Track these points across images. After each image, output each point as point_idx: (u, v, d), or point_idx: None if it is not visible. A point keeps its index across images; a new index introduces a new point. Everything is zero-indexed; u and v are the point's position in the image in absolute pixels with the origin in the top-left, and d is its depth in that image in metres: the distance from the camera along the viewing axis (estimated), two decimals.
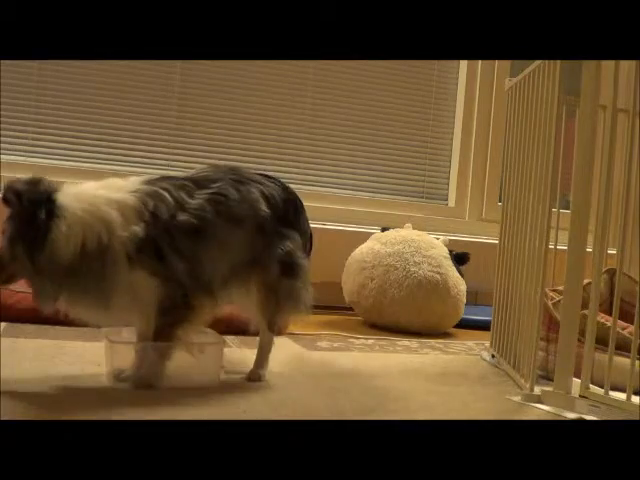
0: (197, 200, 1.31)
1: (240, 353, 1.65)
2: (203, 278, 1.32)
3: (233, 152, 2.81)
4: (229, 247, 1.36)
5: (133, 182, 1.32)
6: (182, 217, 1.29)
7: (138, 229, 1.25)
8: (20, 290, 1.82)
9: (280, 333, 1.50)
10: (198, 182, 1.35)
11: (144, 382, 1.29)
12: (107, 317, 1.31)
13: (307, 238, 1.51)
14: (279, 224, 1.42)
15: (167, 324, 1.30)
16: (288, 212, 1.45)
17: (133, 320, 1.35)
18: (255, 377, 1.44)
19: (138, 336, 1.35)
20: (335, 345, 1.92)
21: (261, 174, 1.46)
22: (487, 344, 1.95)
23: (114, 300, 1.26)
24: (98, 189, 1.29)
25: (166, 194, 1.29)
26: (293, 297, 1.45)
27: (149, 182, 1.32)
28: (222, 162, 2.79)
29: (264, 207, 1.39)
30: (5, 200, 1.22)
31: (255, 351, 1.47)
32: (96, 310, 1.27)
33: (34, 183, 1.23)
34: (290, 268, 1.42)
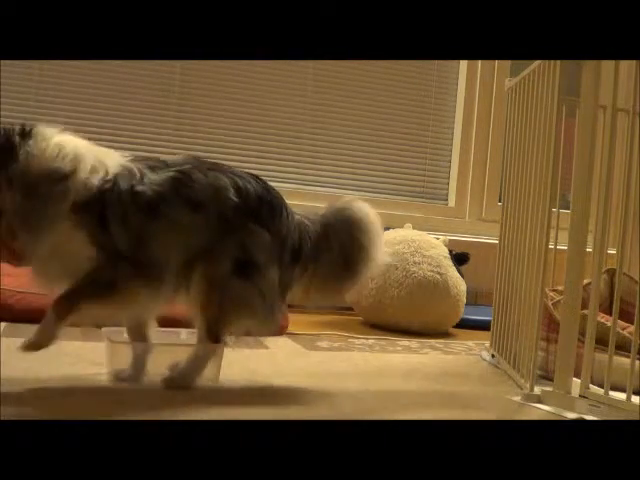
0: (159, 176, 1.27)
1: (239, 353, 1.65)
2: (152, 261, 1.26)
3: (233, 152, 2.81)
4: (184, 231, 1.27)
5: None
6: (139, 188, 1.25)
7: (94, 185, 1.23)
8: (20, 290, 1.83)
9: (218, 341, 1.31)
10: (169, 164, 1.31)
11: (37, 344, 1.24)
12: (44, 267, 1.26)
13: (285, 245, 1.34)
14: (247, 218, 1.30)
15: (80, 291, 1.24)
16: (261, 209, 1.32)
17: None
18: (169, 383, 1.30)
19: None
20: (335, 345, 1.92)
21: (248, 173, 1.37)
22: (487, 344, 1.95)
23: (48, 247, 1.22)
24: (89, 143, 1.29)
25: (135, 169, 1.27)
26: (240, 301, 1.29)
27: (131, 160, 1.30)
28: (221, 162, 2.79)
29: (232, 195, 1.29)
30: None
31: (255, 351, 1.47)
32: (30, 245, 1.23)
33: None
34: (244, 267, 1.29)
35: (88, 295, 1.25)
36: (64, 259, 1.24)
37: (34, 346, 1.24)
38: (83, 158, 1.24)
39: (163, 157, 1.36)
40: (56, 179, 1.22)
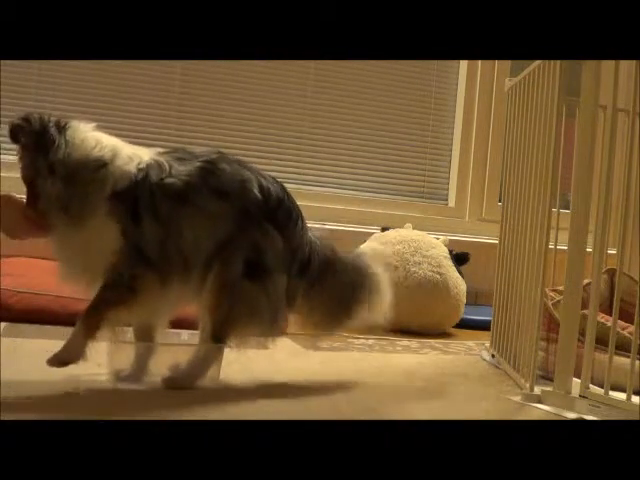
0: (186, 167, 1.31)
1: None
2: (180, 255, 1.28)
3: (233, 152, 2.80)
4: (210, 220, 1.30)
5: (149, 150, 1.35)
6: (168, 180, 1.28)
7: (131, 174, 1.26)
8: (20, 290, 1.83)
9: (223, 341, 1.32)
10: (197, 155, 1.34)
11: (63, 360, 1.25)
12: (74, 257, 1.28)
13: (296, 255, 1.36)
14: (265, 216, 1.32)
15: (102, 301, 1.26)
16: (279, 212, 1.35)
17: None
18: (169, 383, 1.30)
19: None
20: (335, 345, 1.92)
21: (271, 176, 1.40)
22: (487, 344, 1.95)
23: (82, 235, 1.25)
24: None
25: (165, 163, 1.30)
26: (249, 305, 1.31)
27: (159, 153, 1.33)
28: None
29: (255, 190, 1.32)
30: (17, 127, 1.25)
31: (255, 351, 1.46)
32: (67, 234, 1.26)
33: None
34: (255, 269, 1.31)
35: (112, 301, 1.26)
36: (93, 250, 1.26)
37: (60, 361, 1.25)
38: (120, 148, 1.29)
39: (190, 148, 1.40)
40: (97, 166, 1.26)
